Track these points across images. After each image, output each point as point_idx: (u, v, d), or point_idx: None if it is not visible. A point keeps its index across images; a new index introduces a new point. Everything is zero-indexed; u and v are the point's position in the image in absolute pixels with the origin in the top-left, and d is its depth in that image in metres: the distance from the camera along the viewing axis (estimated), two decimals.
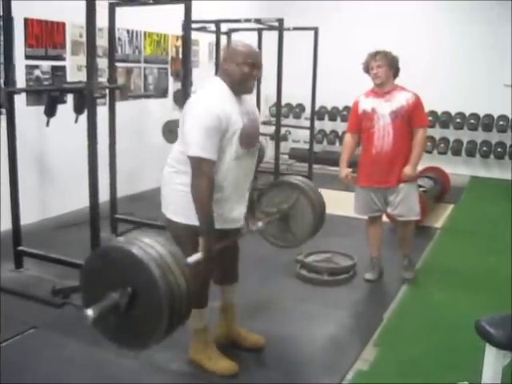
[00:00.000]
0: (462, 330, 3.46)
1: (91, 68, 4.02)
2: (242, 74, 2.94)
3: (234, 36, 7.84)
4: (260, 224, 3.46)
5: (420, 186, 5.77)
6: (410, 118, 4.42)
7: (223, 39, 7.62)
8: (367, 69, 4.47)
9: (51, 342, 3.52)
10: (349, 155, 4.67)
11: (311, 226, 3.68)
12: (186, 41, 4.80)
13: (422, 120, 4.52)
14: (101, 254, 2.51)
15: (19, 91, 4.42)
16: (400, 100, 4.41)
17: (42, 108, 4.69)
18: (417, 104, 4.44)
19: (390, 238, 5.18)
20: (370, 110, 4.48)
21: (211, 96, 2.93)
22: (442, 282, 4.70)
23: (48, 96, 4.64)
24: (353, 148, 4.68)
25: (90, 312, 2.26)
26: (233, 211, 3.06)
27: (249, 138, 3.00)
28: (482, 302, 4.22)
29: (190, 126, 2.86)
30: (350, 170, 4.60)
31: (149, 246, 2.38)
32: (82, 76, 5.68)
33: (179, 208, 3.00)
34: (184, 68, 4.90)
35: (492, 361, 2.77)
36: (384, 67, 4.39)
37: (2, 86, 4.25)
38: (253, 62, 2.96)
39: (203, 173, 2.84)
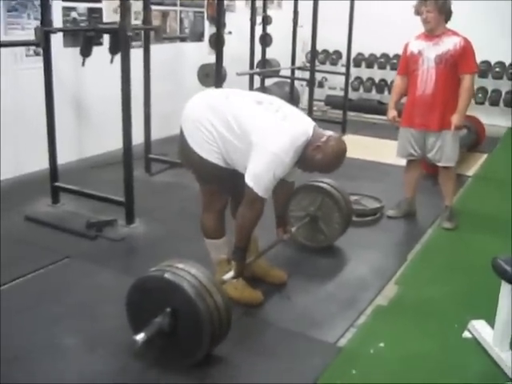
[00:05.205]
0: (484, 273, 3.48)
1: (124, 8, 4.11)
2: (322, 169, 3.14)
3: None
4: (293, 230, 3.71)
5: None
6: (457, 64, 4.36)
7: None
8: (418, 12, 4.42)
9: (84, 271, 3.69)
10: (397, 97, 4.72)
11: (340, 224, 3.96)
12: None
13: (469, 66, 4.41)
14: (138, 285, 2.70)
15: (55, 31, 4.50)
16: (447, 44, 4.36)
17: (78, 50, 4.75)
18: (465, 49, 4.35)
19: (426, 185, 5.22)
20: (416, 53, 4.48)
21: (293, 145, 2.96)
22: (469, 226, 4.73)
23: (83, 36, 4.72)
24: (402, 90, 4.69)
25: (138, 337, 2.49)
26: None
27: None
28: (507, 247, 4.24)
29: (265, 162, 2.92)
30: (396, 112, 4.63)
31: (181, 270, 2.61)
32: (118, 18, 5.74)
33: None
34: (217, 9, 4.91)
35: (507, 298, 2.84)
36: (433, 12, 4.33)
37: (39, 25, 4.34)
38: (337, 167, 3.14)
39: (256, 208, 3.02)
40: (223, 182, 3.18)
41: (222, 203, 3.29)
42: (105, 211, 4.47)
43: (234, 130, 3.02)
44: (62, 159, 4.85)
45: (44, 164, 4.81)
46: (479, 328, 3.12)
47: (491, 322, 3.03)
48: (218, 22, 4.90)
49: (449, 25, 4.50)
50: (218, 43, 4.94)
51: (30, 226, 4.34)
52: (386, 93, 9.51)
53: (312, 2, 6.66)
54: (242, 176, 3.03)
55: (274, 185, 3.00)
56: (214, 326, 2.57)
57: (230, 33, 5.74)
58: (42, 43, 4.29)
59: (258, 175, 2.93)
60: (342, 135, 3.11)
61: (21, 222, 4.37)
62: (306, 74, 8.20)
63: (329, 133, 3.13)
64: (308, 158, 3.05)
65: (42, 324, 3.04)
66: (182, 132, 3.19)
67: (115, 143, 5.48)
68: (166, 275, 2.59)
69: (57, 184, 4.70)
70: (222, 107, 3.10)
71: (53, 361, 2.76)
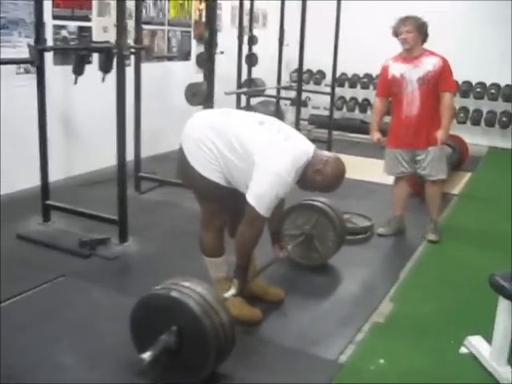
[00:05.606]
0: (477, 288, 3.56)
1: (121, 28, 4.12)
2: (321, 189, 3.21)
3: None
4: (289, 248, 3.82)
5: None
6: (437, 83, 4.49)
7: (246, 3, 7.65)
8: (396, 33, 4.54)
9: (80, 289, 3.67)
10: (379, 119, 4.82)
11: (334, 243, 4.02)
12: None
13: (449, 84, 4.56)
14: (143, 303, 2.70)
15: (49, 49, 4.52)
16: (427, 66, 4.49)
17: (68, 68, 4.78)
18: (443, 69, 4.49)
19: (414, 203, 5.28)
20: (398, 76, 4.57)
21: (294, 166, 3.01)
22: (458, 243, 4.82)
23: (76, 55, 4.73)
24: (382, 112, 4.80)
25: (145, 356, 2.48)
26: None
27: None
28: (496, 263, 4.29)
29: (268, 182, 2.95)
30: (380, 134, 4.74)
31: (187, 288, 2.62)
32: (107, 37, 5.78)
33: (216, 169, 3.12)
34: (209, 29, 4.95)
35: (504, 313, 2.88)
36: (413, 33, 4.46)
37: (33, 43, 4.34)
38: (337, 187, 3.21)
39: (257, 227, 3.05)
40: (223, 200, 3.21)
41: (221, 222, 3.31)
42: (96, 229, 4.44)
43: (236, 150, 3.05)
44: (50, 177, 4.81)
45: (33, 182, 4.78)
46: (476, 343, 3.16)
47: (486, 337, 3.08)
48: (210, 42, 4.93)
49: (434, 48, 4.62)
50: (209, 63, 4.98)
51: (22, 244, 4.31)
52: (368, 112, 9.61)
53: (299, 21, 6.73)
54: (242, 195, 3.06)
55: (275, 204, 3.03)
56: (219, 343, 2.57)
57: (221, 53, 5.76)
58: (36, 61, 4.29)
59: (261, 195, 2.96)
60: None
61: (13, 240, 4.33)
62: (290, 94, 8.29)
63: (328, 154, 3.20)
64: (309, 178, 3.11)
65: (38, 343, 3.02)
66: (182, 151, 3.19)
67: (103, 161, 5.53)
68: (172, 293, 2.60)
69: (48, 202, 4.67)
70: (223, 127, 3.12)
71: (51, 380, 2.74)
